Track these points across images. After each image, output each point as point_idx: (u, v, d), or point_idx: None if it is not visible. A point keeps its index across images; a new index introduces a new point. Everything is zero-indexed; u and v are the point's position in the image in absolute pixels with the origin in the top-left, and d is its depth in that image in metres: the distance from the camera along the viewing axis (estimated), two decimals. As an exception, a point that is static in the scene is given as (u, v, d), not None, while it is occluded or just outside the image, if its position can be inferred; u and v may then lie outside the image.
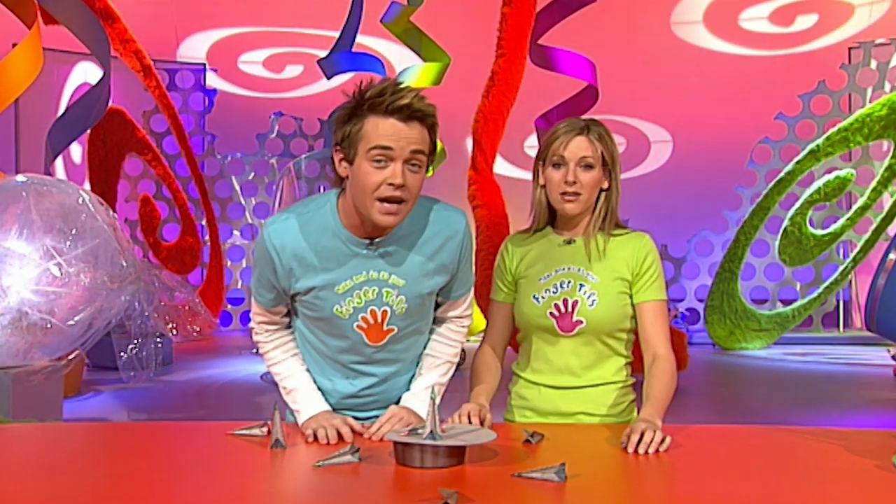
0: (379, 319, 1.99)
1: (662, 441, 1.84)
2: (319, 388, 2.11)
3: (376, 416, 2.06)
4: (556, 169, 2.14)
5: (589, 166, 2.12)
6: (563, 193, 2.12)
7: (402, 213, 1.85)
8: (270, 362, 2.12)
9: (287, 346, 2.13)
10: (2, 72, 6.91)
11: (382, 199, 1.81)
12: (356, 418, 2.07)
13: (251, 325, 2.16)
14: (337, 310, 1.97)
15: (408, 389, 2.14)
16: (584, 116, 2.25)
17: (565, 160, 2.11)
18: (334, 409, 2.09)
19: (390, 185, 1.80)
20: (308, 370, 2.11)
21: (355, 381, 2.10)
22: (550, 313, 2.13)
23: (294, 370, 2.10)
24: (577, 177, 2.11)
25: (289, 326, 2.16)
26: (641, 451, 1.81)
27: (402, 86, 1.82)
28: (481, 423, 1.96)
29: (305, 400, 2.04)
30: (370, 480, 1.61)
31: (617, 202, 2.18)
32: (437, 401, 2.02)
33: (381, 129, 1.79)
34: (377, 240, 1.93)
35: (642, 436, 1.84)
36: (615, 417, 2.17)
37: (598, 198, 2.17)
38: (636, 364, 2.22)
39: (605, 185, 2.16)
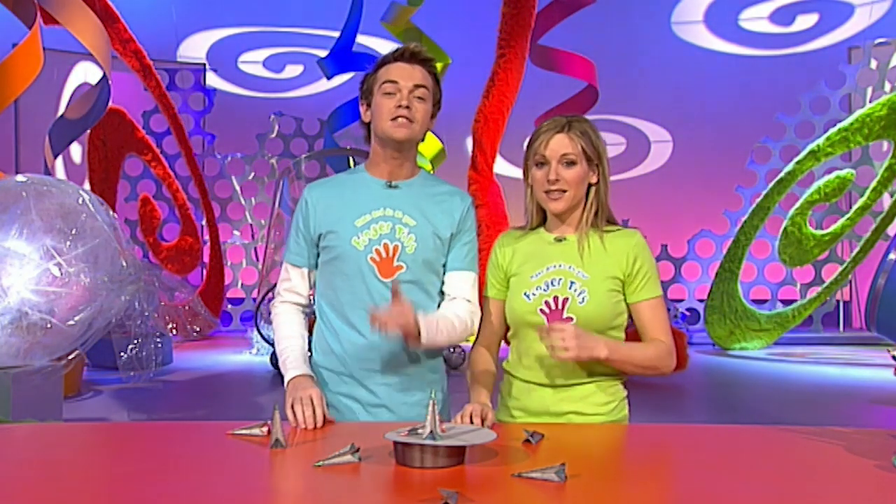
0: (390, 254, 2.20)
1: (568, 348, 1.94)
2: (336, 354, 2.24)
3: (389, 384, 2.22)
4: (540, 168, 2.15)
5: (571, 163, 2.12)
6: (548, 192, 2.14)
7: (413, 131, 2.19)
8: (277, 328, 2.30)
9: (295, 318, 2.31)
10: (2, 72, 6.91)
11: (393, 118, 2.17)
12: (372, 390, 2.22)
13: (275, 297, 2.33)
14: (354, 241, 2.20)
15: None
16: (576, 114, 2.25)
17: (547, 159, 2.13)
18: (352, 376, 2.22)
19: (399, 106, 2.16)
20: (305, 340, 2.29)
21: (370, 333, 2.17)
22: (541, 310, 2.13)
23: (292, 335, 2.27)
24: (560, 174, 2.12)
25: (303, 310, 2.34)
26: (547, 341, 1.95)
27: (410, 43, 2.26)
28: (483, 423, 1.97)
29: (291, 363, 2.21)
30: (370, 480, 1.61)
31: (606, 196, 2.19)
32: (437, 336, 2.12)
33: (390, 69, 2.20)
34: (394, 181, 2.25)
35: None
36: (606, 416, 2.16)
37: (588, 193, 2.18)
38: None
39: (594, 180, 2.17)
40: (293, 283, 2.31)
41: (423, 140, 2.29)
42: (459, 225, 2.26)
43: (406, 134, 2.17)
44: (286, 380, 2.16)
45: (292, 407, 2.05)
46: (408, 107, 2.16)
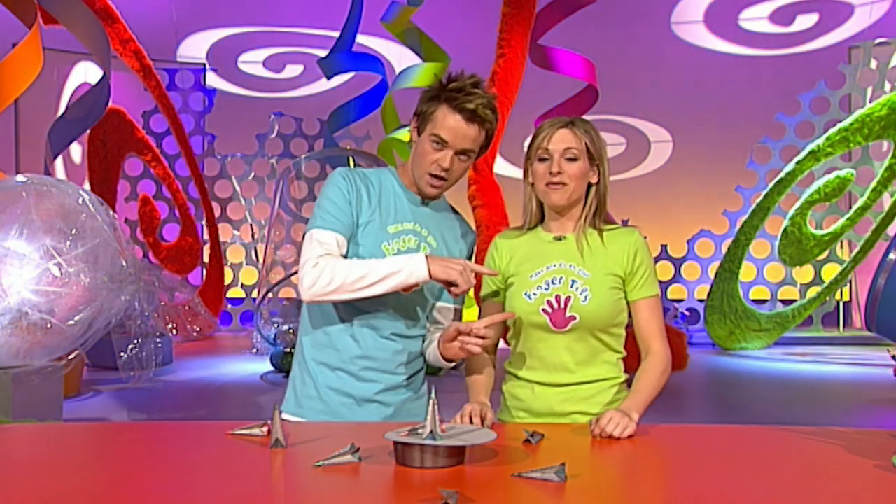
0: None
1: (625, 429, 1.91)
2: (337, 349, 2.22)
3: (381, 390, 2.22)
4: (542, 163, 2.16)
5: (573, 158, 2.13)
6: (549, 184, 2.14)
7: (444, 188, 2.21)
8: (342, 272, 2.09)
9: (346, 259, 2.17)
10: (2, 72, 6.91)
11: (431, 174, 2.17)
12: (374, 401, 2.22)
13: (303, 270, 2.12)
14: (385, 246, 2.20)
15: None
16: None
17: (550, 153, 2.14)
18: (348, 371, 2.21)
19: (439, 166, 2.15)
20: None
21: (379, 339, 2.21)
22: (543, 310, 2.12)
23: (368, 261, 2.12)
24: (562, 167, 2.12)
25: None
26: (605, 434, 1.90)
27: (478, 88, 2.15)
28: (482, 422, 1.97)
29: (402, 259, 2.09)
30: (370, 480, 1.61)
31: (605, 196, 2.20)
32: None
33: (447, 122, 2.13)
34: (426, 200, 2.26)
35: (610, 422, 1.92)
36: None
37: (587, 192, 2.18)
38: (631, 361, 2.22)
39: (594, 179, 2.18)
40: (332, 248, 2.14)
41: None
42: (465, 258, 2.29)
43: (437, 193, 2.21)
44: (417, 261, 2.06)
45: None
46: (448, 169, 2.15)
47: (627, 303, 2.17)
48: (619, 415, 1.93)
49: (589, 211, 2.18)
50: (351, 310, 2.20)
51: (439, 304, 2.28)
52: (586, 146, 2.13)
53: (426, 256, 2.08)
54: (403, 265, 2.07)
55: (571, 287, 2.11)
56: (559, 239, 2.19)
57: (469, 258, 2.32)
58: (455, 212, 2.36)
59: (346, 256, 2.17)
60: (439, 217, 2.28)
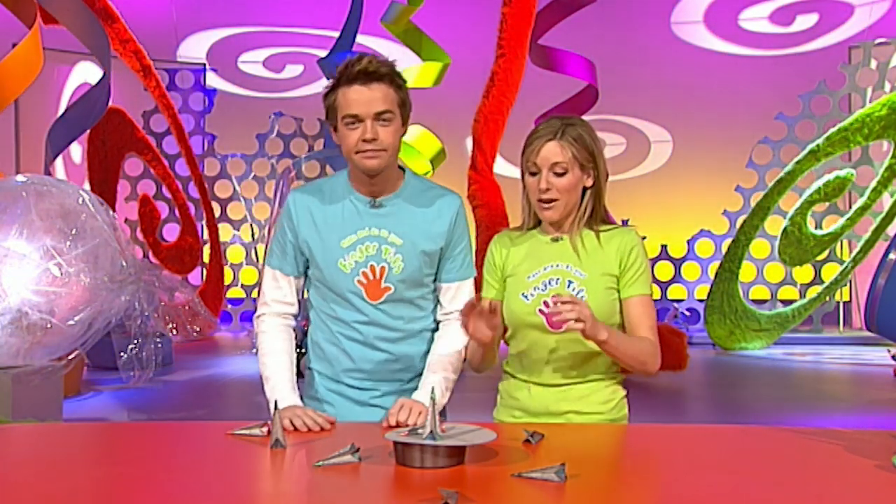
0: (377, 275, 2.16)
1: (577, 321, 1.91)
2: (330, 361, 2.24)
3: (380, 394, 2.24)
4: (532, 176, 2.15)
5: (562, 172, 2.11)
6: (540, 201, 2.14)
7: (383, 158, 2.09)
8: (262, 343, 2.25)
9: (278, 337, 2.25)
10: (2, 72, 6.91)
11: (359, 151, 2.08)
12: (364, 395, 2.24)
13: (259, 305, 2.27)
14: (340, 263, 2.15)
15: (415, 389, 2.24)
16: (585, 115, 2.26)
17: (538, 167, 2.13)
18: (342, 382, 2.24)
19: (364, 140, 2.06)
20: (289, 362, 2.24)
21: (367, 350, 2.20)
22: (540, 310, 2.13)
23: (275, 360, 2.21)
24: (551, 183, 2.11)
25: (293, 320, 2.30)
26: (559, 318, 1.92)
27: (363, 56, 2.08)
28: (492, 312, 2.00)
29: (280, 390, 2.14)
30: (370, 480, 1.61)
31: (602, 197, 2.19)
32: (442, 398, 2.08)
33: (348, 97, 2.06)
34: (378, 199, 2.17)
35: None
36: (605, 415, 2.16)
37: (583, 195, 2.18)
38: None
39: (589, 184, 2.16)
40: (283, 293, 2.25)
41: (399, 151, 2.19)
42: (450, 234, 2.21)
43: (377, 164, 2.10)
44: (278, 405, 1.95)
45: (291, 422, 2.01)
46: (374, 138, 2.06)
47: (620, 301, 2.17)
48: (581, 308, 1.94)
49: (584, 213, 2.18)
50: (337, 324, 2.21)
51: (436, 283, 2.25)
52: (574, 156, 2.11)
53: (288, 406, 2.05)
54: (272, 395, 2.12)
55: (568, 288, 2.12)
56: (556, 240, 2.19)
57: (452, 235, 2.21)
58: (430, 188, 2.24)
59: (306, 278, 2.25)
60: (401, 211, 2.17)
